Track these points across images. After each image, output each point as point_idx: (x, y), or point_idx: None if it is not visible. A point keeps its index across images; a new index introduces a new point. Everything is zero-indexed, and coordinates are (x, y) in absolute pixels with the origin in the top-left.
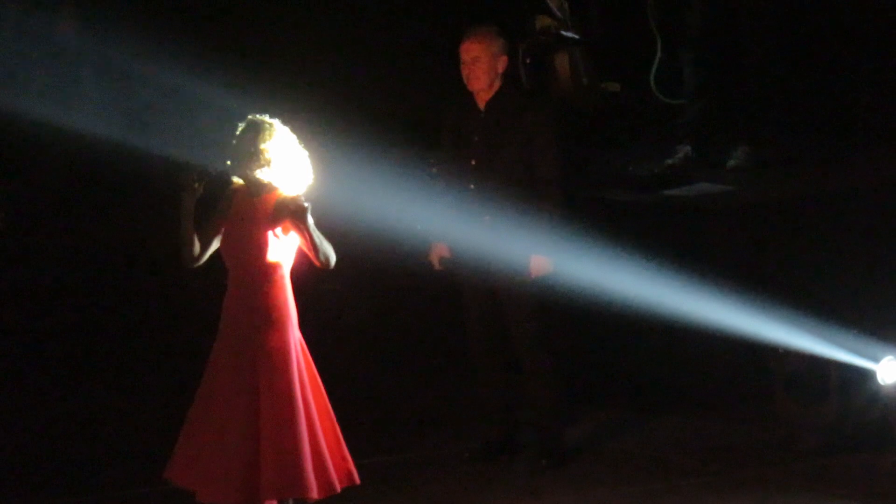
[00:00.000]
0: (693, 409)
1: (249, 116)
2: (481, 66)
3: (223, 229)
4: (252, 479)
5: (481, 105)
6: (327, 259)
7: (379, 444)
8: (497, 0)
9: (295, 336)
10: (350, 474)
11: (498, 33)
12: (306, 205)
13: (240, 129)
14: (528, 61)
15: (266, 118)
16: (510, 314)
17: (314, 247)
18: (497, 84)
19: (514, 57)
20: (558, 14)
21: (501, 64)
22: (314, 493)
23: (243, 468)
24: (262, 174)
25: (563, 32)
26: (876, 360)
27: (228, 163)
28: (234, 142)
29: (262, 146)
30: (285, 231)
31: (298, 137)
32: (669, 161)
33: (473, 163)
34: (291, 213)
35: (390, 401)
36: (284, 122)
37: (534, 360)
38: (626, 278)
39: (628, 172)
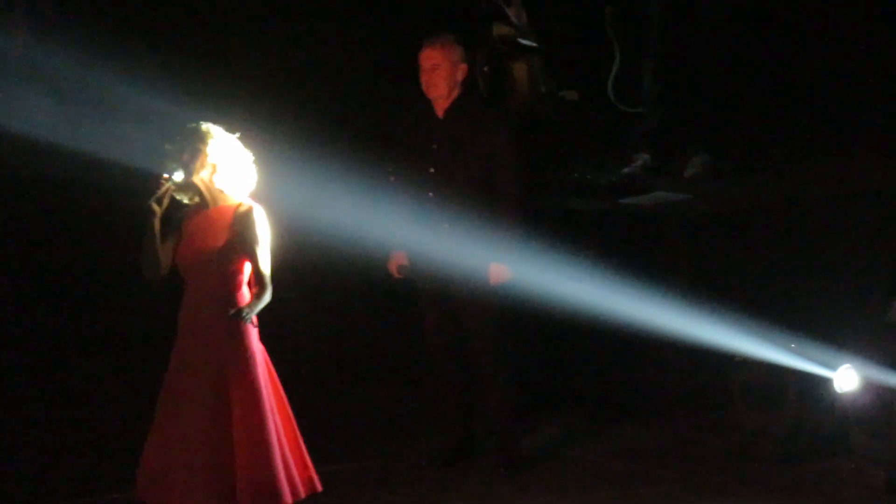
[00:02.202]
0: (651, 417)
1: (191, 124)
2: (441, 74)
3: (179, 242)
4: (227, 487)
5: (440, 113)
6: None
7: (335, 453)
8: (455, 8)
9: (258, 344)
10: (312, 481)
11: (458, 41)
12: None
13: (184, 137)
14: (486, 69)
15: (208, 125)
16: (468, 322)
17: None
18: (456, 92)
19: (472, 65)
20: (516, 22)
21: (461, 72)
22: (288, 500)
23: (217, 476)
24: (212, 181)
25: (522, 40)
26: (833, 368)
27: (181, 174)
28: (183, 149)
29: (211, 152)
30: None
31: (256, 145)
32: (627, 169)
33: (432, 170)
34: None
35: (348, 409)
36: (240, 130)
37: (492, 367)
38: (583, 286)
39: (586, 180)
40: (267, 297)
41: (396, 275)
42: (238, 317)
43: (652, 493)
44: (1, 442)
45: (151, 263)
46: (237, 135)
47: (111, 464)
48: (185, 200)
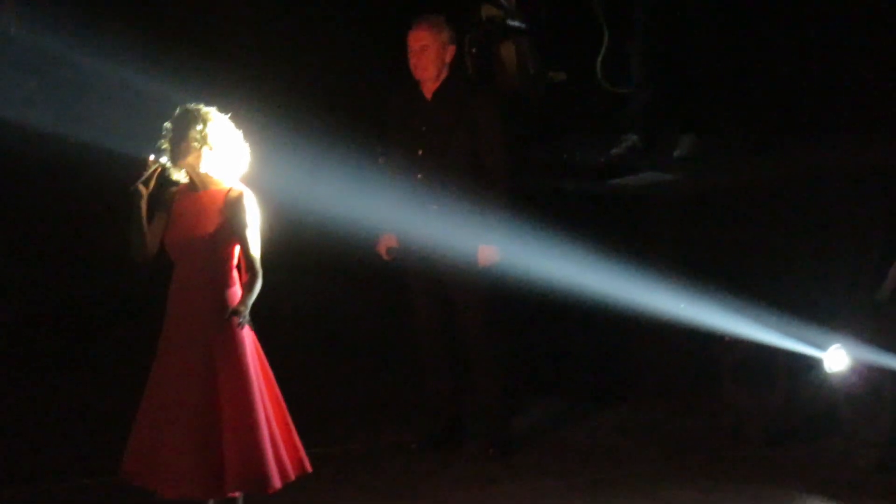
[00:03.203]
0: (641, 397)
1: (184, 105)
2: (429, 55)
3: (169, 225)
4: (215, 471)
5: (428, 94)
6: None
7: (326, 434)
8: None
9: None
10: (301, 462)
11: (446, 23)
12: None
13: (175, 118)
14: (473, 51)
15: (201, 106)
16: (458, 304)
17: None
18: (444, 73)
19: (460, 46)
20: (504, 3)
21: (449, 53)
22: (277, 484)
23: (206, 460)
24: (202, 165)
25: (510, 22)
26: (823, 348)
27: (168, 157)
28: (172, 133)
29: (201, 136)
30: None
31: (244, 128)
32: (615, 150)
33: (420, 152)
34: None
35: (338, 391)
36: (229, 112)
37: (481, 349)
38: (572, 267)
39: (574, 161)
40: (258, 284)
41: (386, 257)
42: (235, 315)
43: (642, 473)
44: None
45: (139, 245)
46: (228, 115)
47: (100, 446)
48: (175, 177)
